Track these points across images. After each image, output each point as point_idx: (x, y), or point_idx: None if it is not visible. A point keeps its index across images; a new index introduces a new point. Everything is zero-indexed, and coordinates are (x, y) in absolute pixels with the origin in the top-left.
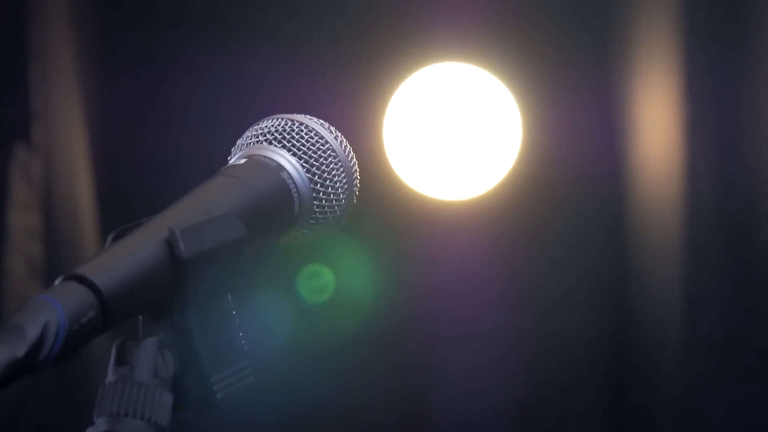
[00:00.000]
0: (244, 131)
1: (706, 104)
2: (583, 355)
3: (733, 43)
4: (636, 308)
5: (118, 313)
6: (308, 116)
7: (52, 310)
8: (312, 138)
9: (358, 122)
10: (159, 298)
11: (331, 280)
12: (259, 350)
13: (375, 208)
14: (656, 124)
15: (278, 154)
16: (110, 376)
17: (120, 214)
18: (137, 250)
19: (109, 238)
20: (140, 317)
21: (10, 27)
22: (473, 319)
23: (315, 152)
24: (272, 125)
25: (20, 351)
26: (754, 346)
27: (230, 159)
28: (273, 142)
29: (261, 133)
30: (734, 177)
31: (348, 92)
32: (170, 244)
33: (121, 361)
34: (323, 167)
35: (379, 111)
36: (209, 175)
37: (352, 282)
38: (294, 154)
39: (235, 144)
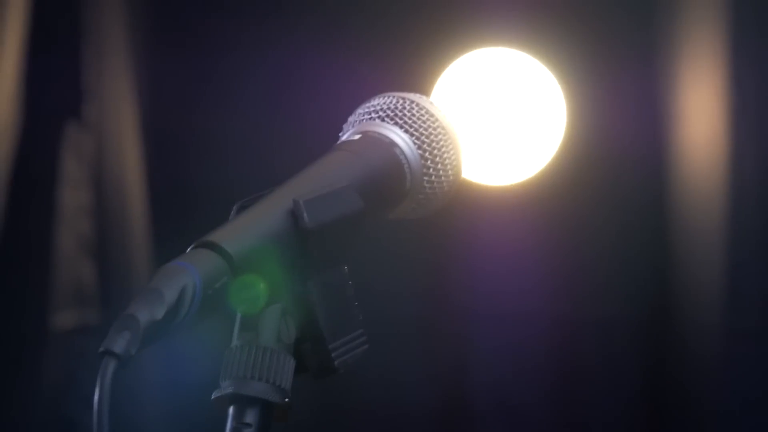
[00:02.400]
0: (289, 112)
1: (751, 92)
2: (621, 341)
3: None
4: (676, 296)
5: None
6: (418, 95)
7: (188, 275)
8: (423, 116)
9: None
10: (283, 266)
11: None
12: None
13: None
14: (701, 112)
15: (391, 131)
16: (235, 341)
17: (169, 192)
18: (263, 220)
19: (235, 208)
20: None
21: (64, 5)
22: (514, 303)
23: (426, 129)
24: (384, 103)
25: (159, 313)
26: None
27: (342, 135)
28: (386, 119)
29: (374, 111)
30: None
31: (393, 76)
32: (294, 214)
33: (246, 326)
34: (433, 144)
35: (424, 95)
36: (258, 155)
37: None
38: (406, 131)
39: (279, 126)
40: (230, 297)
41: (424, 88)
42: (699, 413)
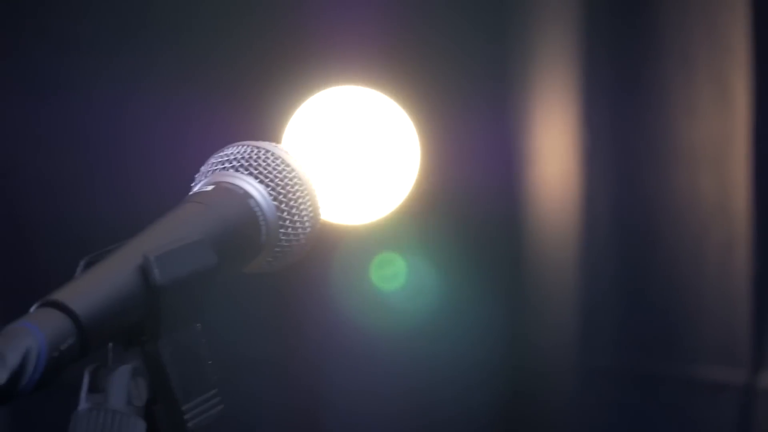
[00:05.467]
0: (132, 154)
1: (603, 133)
2: (475, 380)
3: (630, 73)
4: (531, 335)
5: (95, 339)
6: (273, 144)
7: (32, 337)
8: (278, 166)
9: None
10: (133, 324)
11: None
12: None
13: None
14: (554, 152)
15: (245, 181)
16: (83, 404)
17: (9, 235)
18: (112, 277)
19: (81, 263)
20: (110, 344)
21: None
22: (368, 343)
23: (281, 180)
24: (238, 152)
25: (1, 378)
26: (644, 372)
27: (194, 186)
28: (239, 169)
29: (227, 160)
30: (629, 204)
31: (243, 117)
32: (144, 270)
33: (94, 388)
34: (289, 195)
35: (275, 136)
36: (103, 198)
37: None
38: (261, 182)
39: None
40: (372, 274)
41: (275, 128)
42: None
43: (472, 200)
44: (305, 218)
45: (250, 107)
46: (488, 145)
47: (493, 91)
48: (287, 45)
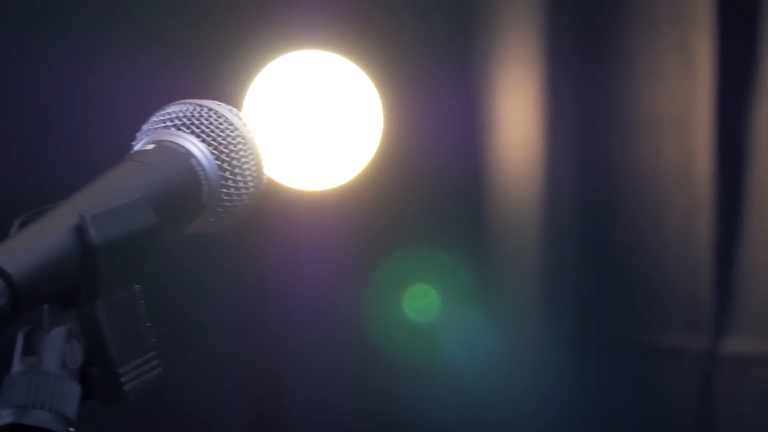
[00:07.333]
0: (90, 118)
1: (567, 99)
2: (439, 345)
3: (593, 40)
4: (493, 301)
5: (29, 300)
6: (217, 102)
7: None
8: (221, 124)
9: None
10: (68, 285)
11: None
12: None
13: None
14: (517, 118)
15: (187, 140)
16: (16, 366)
17: None
18: (47, 237)
19: (15, 224)
20: (45, 306)
21: None
22: (331, 310)
23: (224, 139)
24: (180, 110)
25: None
26: (606, 339)
27: (135, 144)
28: (181, 127)
29: (168, 118)
30: (593, 172)
31: (204, 81)
32: (80, 230)
33: (28, 350)
34: (232, 154)
35: (236, 100)
36: (55, 162)
37: None
38: (203, 141)
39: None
40: (404, 306)
41: (236, 93)
42: (516, 420)
43: (435, 166)
44: (248, 178)
45: (211, 72)
46: (452, 111)
47: (457, 57)
48: (249, 8)
